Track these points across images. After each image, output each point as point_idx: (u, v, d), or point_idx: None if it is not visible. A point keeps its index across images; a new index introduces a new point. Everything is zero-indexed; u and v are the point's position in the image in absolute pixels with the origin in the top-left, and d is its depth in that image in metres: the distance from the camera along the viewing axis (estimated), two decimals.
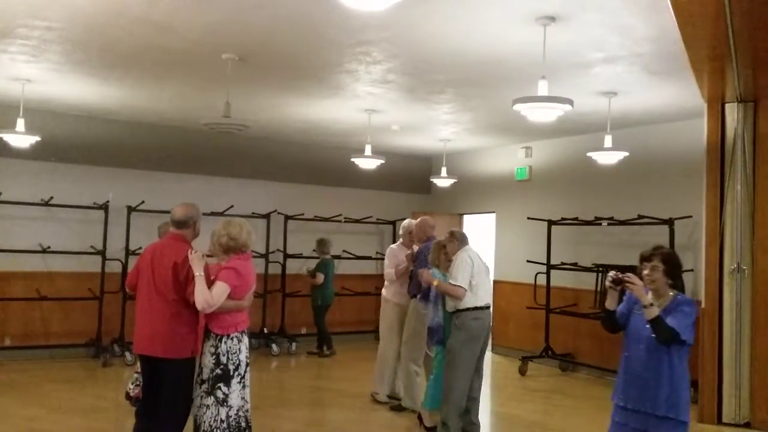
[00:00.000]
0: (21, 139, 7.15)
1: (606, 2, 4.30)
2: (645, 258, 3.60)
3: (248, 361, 4.32)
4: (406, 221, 7.14)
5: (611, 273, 3.63)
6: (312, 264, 9.65)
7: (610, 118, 7.03)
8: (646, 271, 3.54)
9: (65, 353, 8.43)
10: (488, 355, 9.73)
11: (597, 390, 7.78)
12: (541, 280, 8.93)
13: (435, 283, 5.49)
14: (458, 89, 6.74)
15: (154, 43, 5.43)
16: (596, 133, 8.03)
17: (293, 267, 10.02)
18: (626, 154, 7.21)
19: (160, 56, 5.85)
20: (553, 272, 8.89)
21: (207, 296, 4.03)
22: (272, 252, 9.90)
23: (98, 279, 8.51)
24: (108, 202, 8.66)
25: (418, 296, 6.09)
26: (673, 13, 4.05)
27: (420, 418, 5.95)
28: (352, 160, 8.62)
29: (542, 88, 5.01)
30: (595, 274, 8.25)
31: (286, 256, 9.95)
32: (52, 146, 8.18)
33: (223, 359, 4.16)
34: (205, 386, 4.19)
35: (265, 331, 9.73)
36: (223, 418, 4.15)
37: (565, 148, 9.31)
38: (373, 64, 5.85)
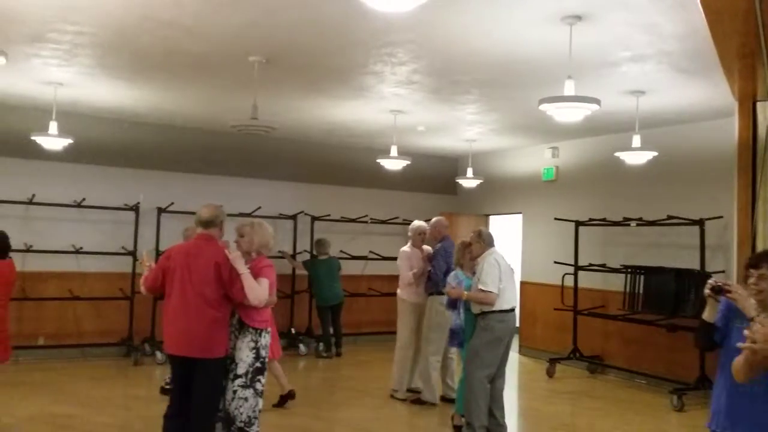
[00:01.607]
0: (54, 141, 7.30)
1: (633, 0, 4.26)
2: (751, 265, 3.13)
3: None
4: (415, 222, 7.22)
5: (710, 280, 3.17)
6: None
7: (639, 117, 6.95)
8: (752, 280, 3.07)
9: (97, 352, 8.59)
10: (515, 356, 9.75)
11: (626, 393, 7.70)
12: (569, 281, 8.85)
13: (464, 296, 5.48)
14: (484, 89, 6.72)
15: (182, 46, 5.52)
16: (624, 133, 7.95)
17: None
18: (655, 153, 7.12)
19: (188, 59, 5.94)
20: (580, 273, 8.81)
21: (260, 293, 4.25)
22: (299, 253, 9.97)
23: (129, 279, 8.66)
24: (138, 203, 8.80)
25: (446, 303, 6.09)
26: (701, 10, 4.00)
27: (453, 418, 5.96)
28: (378, 161, 8.64)
29: (569, 88, 4.97)
30: (623, 275, 8.16)
31: (313, 256, 10.00)
32: (84, 149, 8.34)
33: (262, 352, 4.44)
34: (241, 380, 4.33)
35: (293, 331, 9.80)
36: (260, 407, 4.42)
37: (592, 148, 9.22)
38: (399, 65, 5.87)
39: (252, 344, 4.38)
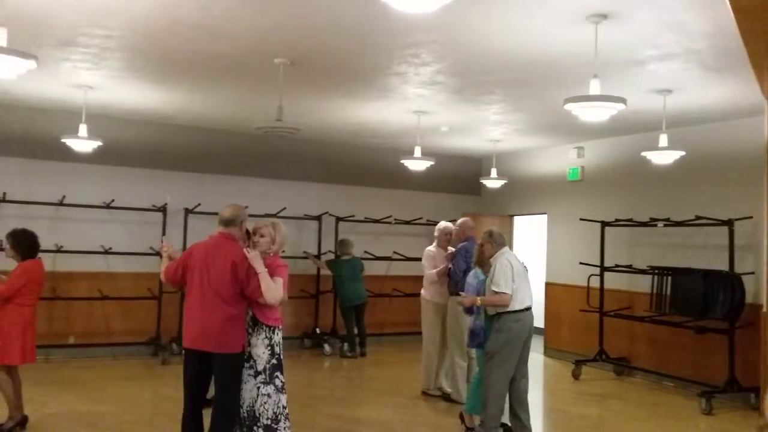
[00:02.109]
0: (84, 144, 7.43)
1: None
2: None
3: None
4: (441, 223, 7.26)
5: None
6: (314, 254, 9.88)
7: (666, 116, 6.87)
8: None
9: (126, 351, 8.72)
10: (540, 358, 9.69)
11: (653, 395, 7.61)
12: (594, 282, 8.78)
13: (478, 302, 5.50)
14: (508, 89, 6.69)
15: (209, 49, 5.59)
16: (651, 132, 7.86)
17: None
18: (682, 153, 7.03)
19: (214, 62, 6.01)
20: (606, 274, 8.73)
21: (276, 292, 4.32)
22: (324, 253, 10.02)
23: (157, 279, 8.66)
24: (166, 204, 8.91)
25: (463, 308, 6.09)
26: (730, 7, 3.94)
27: (461, 417, 5.96)
28: (402, 161, 8.65)
29: (594, 87, 4.94)
30: (650, 276, 8.07)
31: (337, 257, 10.04)
32: (113, 150, 8.48)
33: (277, 349, 4.50)
34: (261, 377, 4.40)
35: (318, 331, 9.85)
36: (285, 404, 4.47)
37: (618, 148, 9.13)
38: (422, 65, 5.87)
39: (267, 341, 4.45)
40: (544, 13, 4.54)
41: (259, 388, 4.41)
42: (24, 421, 5.38)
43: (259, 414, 4.38)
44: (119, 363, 8.36)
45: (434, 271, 6.92)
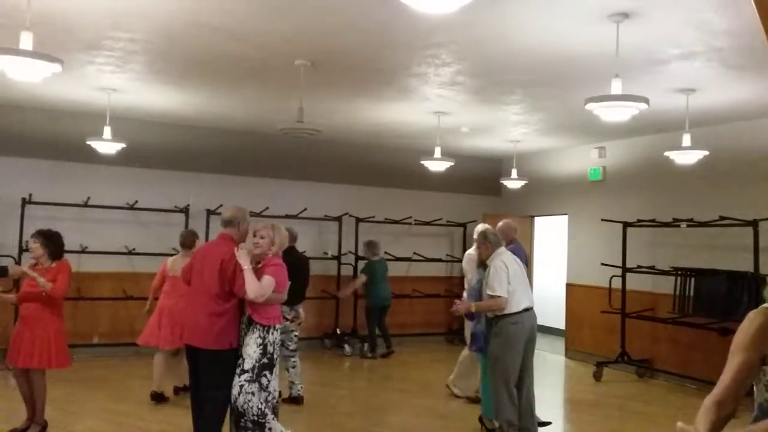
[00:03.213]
0: (108, 146, 7.54)
1: None
2: None
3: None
4: (480, 226, 7.06)
5: None
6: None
7: (689, 116, 6.80)
8: None
9: (149, 351, 8.74)
10: (562, 359, 9.64)
11: (676, 398, 7.53)
12: (616, 283, 8.71)
13: (473, 308, 5.45)
14: (528, 89, 6.67)
15: (230, 51, 5.64)
16: (674, 132, 7.78)
17: None
18: (706, 153, 6.96)
19: (236, 64, 6.06)
20: (628, 275, 8.66)
21: (258, 287, 4.36)
22: (344, 254, 10.06)
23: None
24: (189, 205, 9.01)
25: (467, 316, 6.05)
26: (753, 5, 3.90)
27: (481, 420, 5.94)
28: (422, 162, 8.65)
29: (616, 87, 4.90)
30: (673, 277, 7.99)
31: (358, 258, 10.07)
32: (137, 152, 8.59)
33: (270, 349, 4.51)
34: (247, 375, 4.45)
35: (338, 331, 9.89)
36: (268, 401, 4.51)
37: (640, 148, 9.06)
38: (442, 66, 5.88)
39: (259, 340, 4.48)
40: (564, 12, 4.53)
41: (243, 386, 4.44)
42: (44, 426, 5.39)
43: (244, 410, 4.45)
44: (144, 362, 8.39)
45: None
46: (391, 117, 8.19)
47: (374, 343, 9.42)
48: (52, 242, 5.33)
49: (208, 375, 4.53)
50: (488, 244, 5.46)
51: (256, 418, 4.46)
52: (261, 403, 4.47)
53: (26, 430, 5.28)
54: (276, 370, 4.59)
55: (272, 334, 4.54)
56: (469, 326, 6.82)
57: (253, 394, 4.44)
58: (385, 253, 10.03)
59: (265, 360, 4.49)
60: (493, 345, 5.34)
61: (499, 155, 11.09)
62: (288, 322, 6.20)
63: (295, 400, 6.52)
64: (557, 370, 9.25)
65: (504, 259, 5.37)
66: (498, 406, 5.32)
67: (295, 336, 6.57)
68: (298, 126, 6.24)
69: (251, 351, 4.48)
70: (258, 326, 4.50)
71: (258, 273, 4.46)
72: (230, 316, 4.52)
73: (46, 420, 5.39)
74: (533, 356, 5.48)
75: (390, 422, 6.40)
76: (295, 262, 5.66)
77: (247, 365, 4.46)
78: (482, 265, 5.65)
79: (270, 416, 4.52)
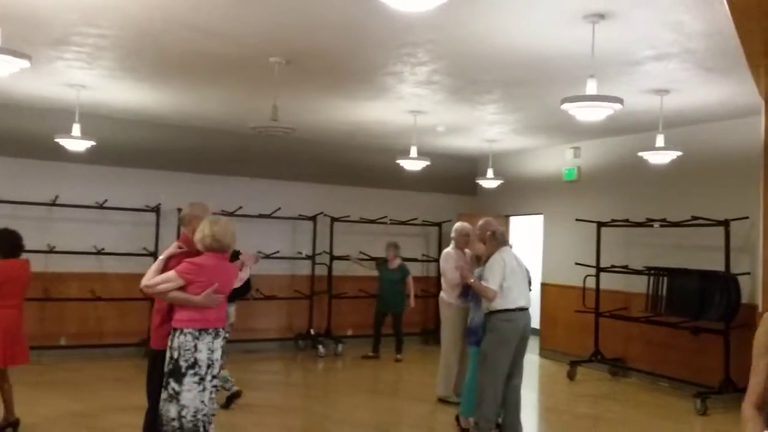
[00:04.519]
0: (77, 143, 7.37)
1: None
2: None
3: (211, 362, 4.09)
4: (459, 224, 7.04)
5: None
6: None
7: (662, 116, 6.85)
8: None
9: (119, 352, 8.65)
10: (536, 358, 9.67)
11: (649, 396, 7.60)
12: (590, 283, 8.76)
13: (471, 280, 5.52)
14: (505, 89, 6.67)
15: (203, 48, 5.54)
16: (647, 133, 7.84)
17: (339, 269, 10.08)
18: (679, 153, 7.01)
19: (209, 61, 5.96)
20: (602, 275, 8.72)
21: (146, 277, 4.12)
22: (319, 254, 9.98)
23: None
24: (160, 204, 8.86)
25: (460, 293, 6.08)
26: (727, 7, 3.92)
27: (457, 419, 5.94)
28: (398, 161, 8.62)
29: (591, 87, 4.91)
30: (646, 277, 8.05)
31: (333, 257, 10.00)
32: (106, 150, 8.42)
33: (175, 354, 4.05)
34: (164, 380, 4.11)
35: (312, 332, 9.81)
36: (174, 415, 4.01)
37: (615, 148, 9.12)
38: (418, 65, 5.84)
39: (169, 343, 4.09)
40: (541, 12, 4.52)
41: (162, 390, 4.12)
42: (16, 423, 5.32)
43: (161, 415, 4.10)
44: (112, 364, 8.29)
45: (457, 274, 6.29)
46: (367, 116, 8.14)
47: (376, 344, 9.32)
48: (2, 241, 5.16)
49: (150, 378, 4.33)
50: (495, 242, 5.53)
51: (163, 428, 4.05)
52: (166, 412, 4.03)
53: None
54: (197, 382, 4.03)
55: (179, 338, 4.05)
56: (451, 324, 6.83)
57: (164, 401, 4.06)
58: (360, 252, 9.97)
59: (171, 366, 4.03)
60: (485, 341, 5.38)
61: (475, 155, 11.10)
62: None
63: (235, 396, 6.35)
64: (531, 370, 9.24)
65: (504, 256, 5.44)
66: (480, 401, 5.34)
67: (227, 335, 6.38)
68: (272, 124, 6.16)
69: (167, 355, 4.11)
70: (172, 329, 4.14)
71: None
72: (163, 316, 4.25)
73: (15, 418, 5.30)
74: (524, 355, 5.52)
75: (361, 422, 6.36)
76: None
77: (165, 369, 4.09)
78: (478, 260, 5.73)
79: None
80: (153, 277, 4.12)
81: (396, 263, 9.39)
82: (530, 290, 5.73)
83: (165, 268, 4.18)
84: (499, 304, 5.30)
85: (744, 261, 7.28)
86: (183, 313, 4.09)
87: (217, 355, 4.15)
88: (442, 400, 6.81)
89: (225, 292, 4.24)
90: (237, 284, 4.78)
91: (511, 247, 5.63)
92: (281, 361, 9.15)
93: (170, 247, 4.33)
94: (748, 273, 7.11)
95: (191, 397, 4.02)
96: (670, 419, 6.68)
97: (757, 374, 2.10)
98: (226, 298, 4.35)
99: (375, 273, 9.48)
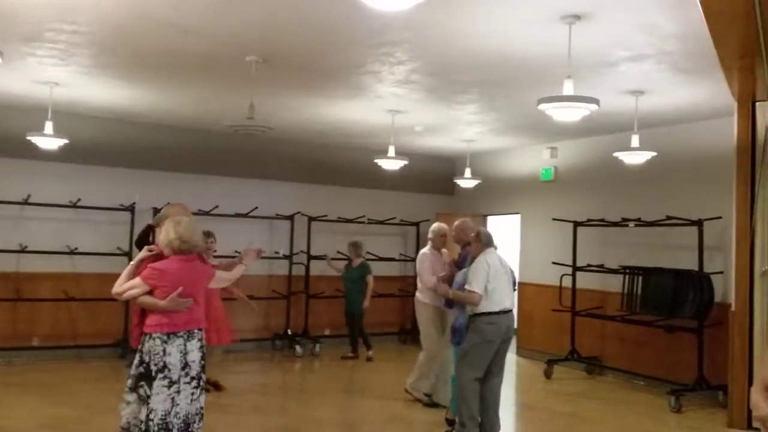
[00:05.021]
0: (49, 141, 7.25)
1: (632, 0, 4.24)
2: None
3: (186, 364, 4.02)
4: (436, 224, 7.00)
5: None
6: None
7: (637, 117, 6.93)
8: None
9: (92, 353, 8.53)
10: (513, 357, 9.71)
11: (624, 394, 7.67)
12: (567, 282, 8.83)
13: (450, 294, 5.52)
14: (482, 89, 6.69)
15: (179, 46, 5.48)
16: (623, 133, 7.92)
17: (317, 268, 10.03)
18: (654, 154, 7.10)
19: (185, 59, 5.89)
20: (578, 274, 8.79)
21: (117, 284, 4.11)
22: (296, 253, 9.93)
23: None
24: (134, 203, 8.75)
25: (444, 303, 6.05)
26: (701, 10, 3.97)
27: (447, 420, 5.95)
28: (376, 161, 8.60)
29: (567, 88, 4.94)
30: (621, 276, 8.13)
31: (310, 257, 9.96)
32: (80, 148, 8.29)
33: (145, 358, 4.01)
34: (129, 381, 4.07)
35: (289, 332, 9.76)
36: (143, 418, 3.95)
37: (591, 149, 9.20)
38: (396, 64, 5.83)
39: (140, 346, 4.06)
40: (517, 13, 4.53)
41: (124, 393, 4.09)
42: None
43: (122, 416, 4.09)
44: (85, 365, 8.17)
45: (433, 277, 6.30)
46: (344, 115, 8.11)
47: (353, 344, 9.26)
48: None
49: None
50: (479, 244, 5.51)
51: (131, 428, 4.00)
52: (133, 417, 3.99)
53: None
54: (166, 386, 3.95)
55: (148, 342, 4.00)
56: (428, 324, 6.81)
57: (128, 403, 4.03)
58: (338, 252, 9.94)
59: (141, 369, 4.00)
60: (466, 341, 5.40)
61: (453, 154, 11.12)
62: None
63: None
64: (509, 368, 9.18)
65: (488, 258, 5.41)
66: (462, 399, 5.35)
67: None
68: (248, 123, 6.11)
69: (136, 358, 4.09)
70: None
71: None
72: (141, 315, 4.17)
73: None
74: (505, 356, 5.54)
75: (332, 420, 6.34)
76: None
77: (132, 371, 4.07)
78: (459, 265, 5.75)
79: None
80: (123, 283, 4.11)
81: (358, 263, 9.33)
82: (515, 291, 5.74)
83: (137, 273, 4.13)
84: (483, 307, 5.28)
85: (717, 260, 7.38)
86: (152, 318, 4.05)
87: (194, 356, 4.07)
88: (408, 392, 6.80)
89: (193, 294, 4.10)
90: (224, 284, 4.66)
91: (496, 248, 5.61)
92: (258, 361, 9.09)
93: (142, 251, 4.25)
94: (721, 272, 7.22)
95: (160, 400, 3.96)
96: (645, 416, 6.75)
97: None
98: (205, 298, 4.30)
99: (342, 273, 9.45)
